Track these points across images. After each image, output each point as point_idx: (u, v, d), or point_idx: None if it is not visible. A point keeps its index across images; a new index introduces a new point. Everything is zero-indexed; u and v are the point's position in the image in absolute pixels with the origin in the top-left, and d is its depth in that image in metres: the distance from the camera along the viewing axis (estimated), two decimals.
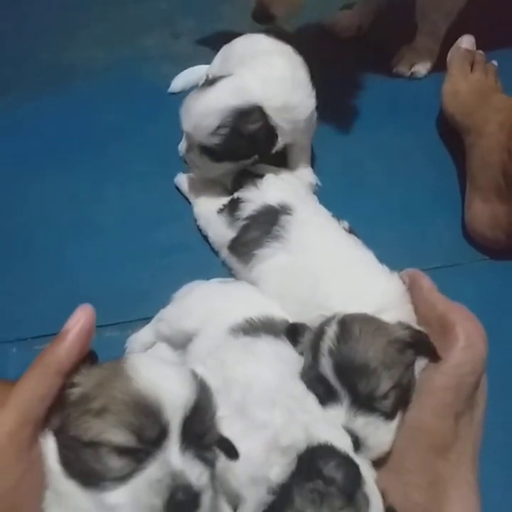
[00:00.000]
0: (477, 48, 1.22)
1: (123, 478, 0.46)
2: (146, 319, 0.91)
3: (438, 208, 1.08)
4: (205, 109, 0.93)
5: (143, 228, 1.05)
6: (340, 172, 1.13)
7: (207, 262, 1.00)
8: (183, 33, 1.37)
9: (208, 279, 0.91)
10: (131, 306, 0.95)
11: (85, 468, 0.47)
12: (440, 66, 1.24)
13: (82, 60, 1.30)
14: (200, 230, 1.04)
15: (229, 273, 0.97)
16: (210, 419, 0.51)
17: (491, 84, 1.16)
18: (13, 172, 1.12)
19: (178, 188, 1.09)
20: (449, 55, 1.22)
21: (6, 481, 0.46)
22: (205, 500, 0.47)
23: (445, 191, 1.10)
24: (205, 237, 1.03)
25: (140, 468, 0.46)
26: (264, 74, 0.96)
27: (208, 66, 1.18)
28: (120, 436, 0.46)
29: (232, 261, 0.94)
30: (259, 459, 0.59)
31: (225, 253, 0.96)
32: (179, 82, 1.24)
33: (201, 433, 0.50)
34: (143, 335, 0.89)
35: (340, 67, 1.27)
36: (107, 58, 1.31)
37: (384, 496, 0.59)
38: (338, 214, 0.94)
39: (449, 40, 1.24)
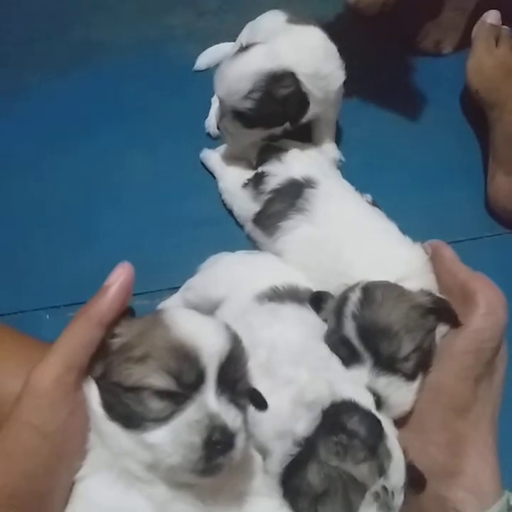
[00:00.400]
0: (503, 24, 1.21)
1: (163, 419, 0.49)
2: (174, 289, 0.95)
3: (461, 182, 1.09)
4: (238, 73, 0.94)
5: (170, 201, 1.09)
6: (363, 147, 1.14)
7: (232, 235, 1.03)
8: (207, 11, 1.37)
9: (233, 251, 0.94)
10: (160, 276, 0.99)
11: (127, 411, 0.50)
12: (465, 42, 1.23)
13: (110, 38, 1.32)
14: (225, 204, 1.07)
15: (253, 246, 0.99)
16: (243, 367, 0.54)
17: None
18: (44, 145, 1.16)
19: (203, 164, 1.12)
20: (474, 30, 1.21)
21: (55, 421, 0.49)
22: (240, 441, 0.50)
23: (468, 166, 1.11)
24: (230, 211, 1.05)
25: (179, 409, 0.50)
26: (298, 40, 0.97)
27: (233, 43, 1.19)
28: (161, 380, 0.49)
29: (257, 234, 0.97)
30: (286, 413, 0.62)
31: (249, 226, 0.99)
32: (204, 60, 1.26)
33: (235, 380, 0.53)
34: (171, 303, 0.93)
35: (364, 44, 1.27)
36: (133, 36, 1.32)
37: (405, 452, 0.62)
38: (360, 188, 0.95)
39: (475, 15, 1.23)
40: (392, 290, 0.70)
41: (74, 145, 1.16)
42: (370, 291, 0.70)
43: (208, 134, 1.15)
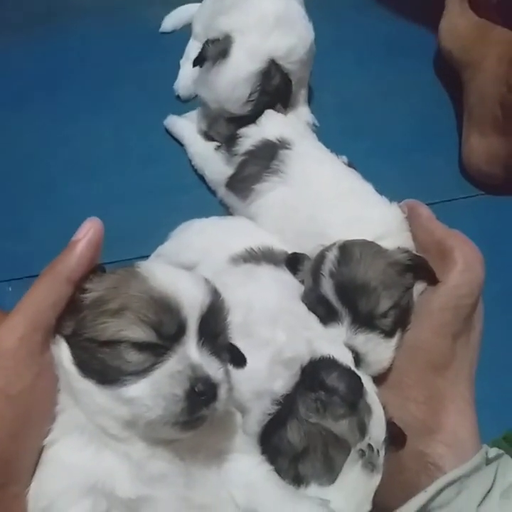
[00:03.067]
0: None
1: (142, 372, 0.47)
2: (144, 257, 0.91)
3: (435, 145, 1.08)
4: (232, 82, 0.95)
5: (137, 168, 1.05)
6: (338, 112, 1.12)
7: (204, 201, 1.00)
8: None
9: (205, 218, 0.91)
10: (129, 246, 0.94)
11: (102, 367, 0.48)
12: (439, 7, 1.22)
13: (76, 1, 1.27)
14: (196, 171, 1.03)
15: (226, 212, 0.97)
16: (223, 321, 0.52)
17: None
18: (9, 115, 1.10)
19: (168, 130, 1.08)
20: None
21: (20, 383, 0.46)
22: (222, 393, 0.48)
23: (443, 129, 1.10)
24: (202, 178, 1.02)
25: (160, 361, 0.47)
26: (261, 25, 0.96)
27: (198, 5, 1.16)
28: (140, 332, 0.47)
29: (230, 198, 0.94)
30: (263, 373, 0.60)
31: (222, 191, 0.96)
32: (170, 21, 1.22)
33: (216, 333, 0.51)
34: None
35: (338, 9, 1.24)
36: None
37: (385, 409, 0.61)
38: (336, 153, 0.93)
39: None
40: (369, 248, 0.69)
41: (35, 108, 1.10)
42: (347, 249, 0.68)
43: (178, 97, 1.12)
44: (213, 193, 1.00)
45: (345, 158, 0.91)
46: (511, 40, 1.03)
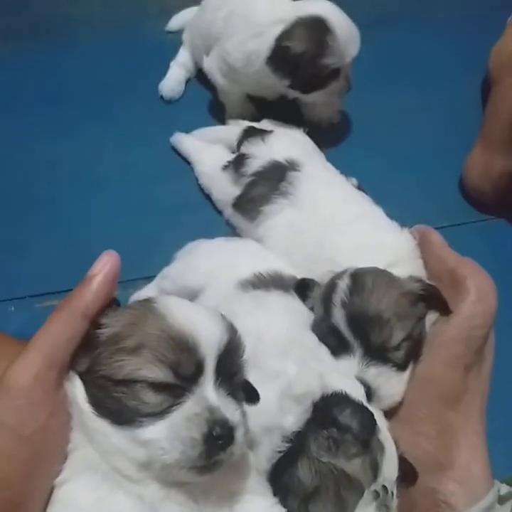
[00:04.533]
0: None
1: (160, 413, 0.46)
2: (149, 278, 0.90)
3: (448, 168, 1.06)
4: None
5: (144, 186, 1.03)
6: (347, 132, 1.11)
7: (210, 221, 0.99)
8: None
9: (211, 238, 0.89)
10: (133, 265, 0.91)
11: (118, 406, 0.46)
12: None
13: (79, 13, 1.27)
14: (202, 189, 1.02)
15: (233, 232, 0.95)
16: (240, 358, 0.51)
17: None
18: (10, 127, 1.09)
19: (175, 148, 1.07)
20: (510, 18, 1.18)
21: (34, 423, 0.45)
22: (240, 436, 0.47)
23: (454, 151, 1.08)
24: (208, 196, 1.01)
25: (177, 403, 0.46)
26: None
27: None
28: (157, 372, 0.46)
29: (237, 219, 0.93)
30: (273, 408, 0.58)
31: (229, 211, 0.95)
32: (176, 22, 1.23)
33: (233, 372, 0.50)
34: (146, 293, 0.88)
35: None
36: (106, 12, 1.27)
37: (396, 444, 0.60)
38: (344, 173, 0.92)
39: None
40: (381, 277, 0.68)
41: (37, 122, 1.09)
42: (359, 278, 0.67)
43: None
44: (220, 212, 0.99)
45: (354, 181, 0.90)
46: None
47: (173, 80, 1.15)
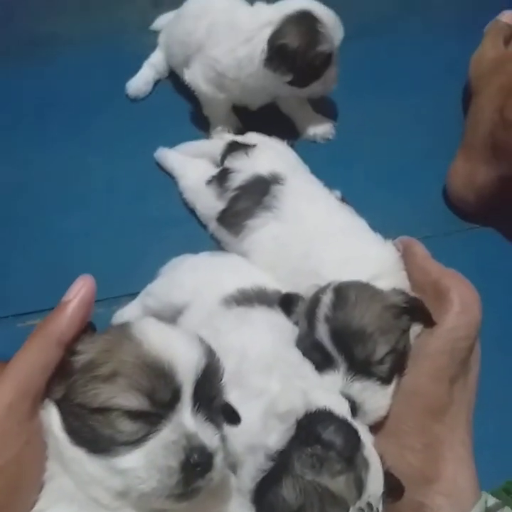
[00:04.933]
0: None
1: (136, 441, 0.45)
2: (132, 295, 0.89)
3: (430, 177, 1.07)
4: None
5: (127, 202, 1.03)
6: (330, 142, 1.12)
7: (194, 235, 0.99)
8: (164, 2, 1.32)
9: (196, 253, 0.89)
10: (117, 282, 0.92)
11: (94, 435, 0.46)
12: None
13: (61, 29, 1.27)
14: (186, 204, 1.02)
15: (218, 246, 0.95)
16: (219, 382, 0.51)
17: None
18: None
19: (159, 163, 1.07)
20: (487, 26, 1.20)
21: (8, 453, 0.45)
22: (218, 461, 0.47)
23: (438, 161, 1.08)
24: (193, 211, 1.01)
25: (153, 431, 0.46)
26: None
27: None
28: (132, 400, 0.45)
29: (222, 233, 0.93)
30: (257, 426, 0.58)
31: (213, 225, 0.95)
32: (161, 22, 1.25)
33: (211, 396, 0.49)
34: (129, 310, 0.87)
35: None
36: (88, 27, 1.27)
37: (382, 459, 0.59)
38: (326, 184, 0.92)
39: None
40: (364, 291, 0.68)
41: (23, 143, 1.09)
42: (342, 292, 0.67)
43: (167, 131, 1.11)
44: (204, 226, 0.98)
45: (338, 193, 0.90)
46: None
47: (142, 79, 1.17)
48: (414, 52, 1.26)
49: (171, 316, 0.80)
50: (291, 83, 1.02)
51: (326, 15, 1.01)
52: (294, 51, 0.98)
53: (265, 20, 0.99)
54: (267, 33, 0.99)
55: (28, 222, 1.00)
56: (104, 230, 0.99)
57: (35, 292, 0.90)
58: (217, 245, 0.95)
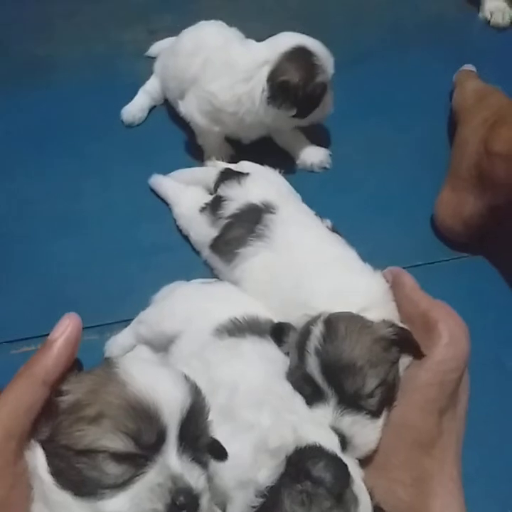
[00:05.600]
0: None
1: (121, 484, 0.45)
2: (126, 321, 0.89)
3: (420, 205, 1.09)
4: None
5: (121, 228, 1.04)
6: (321, 171, 1.14)
7: (188, 262, 0.99)
8: (159, 29, 1.35)
9: (189, 279, 0.90)
10: (110, 308, 0.93)
11: (79, 477, 0.45)
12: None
13: (58, 54, 1.28)
14: (180, 230, 1.03)
15: (211, 273, 0.96)
16: (204, 421, 0.50)
17: (497, 88, 1.17)
18: None
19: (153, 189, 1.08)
20: (454, 76, 1.24)
21: None
22: (204, 502, 0.47)
23: (426, 189, 1.10)
24: (186, 237, 1.02)
25: (139, 473, 0.45)
26: None
27: None
28: (118, 442, 0.45)
29: (215, 260, 0.93)
30: (247, 461, 0.58)
31: (206, 253, 0.95)
32: (156, 48, 1.27)
33: (197, 436, 0.49)
34: (122, 338, 0.87)
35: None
36: (84, 53, 1.29)
37: (371, 494, 0.60)
38: (319, 212, 0.94)
39: None
40: (354, 323, 0.68)
41: (18, 168, 1.09)
42: (332, 324, 0.67)
43: (161, 156, 1.13)
44: (198, 252, 0.99)
45: (329, 222, 0.91)
46: (501, 106, 1.06)
47: (137, 106, 1.19)
48: (402, 82, 1.29)
49: (163, 344, 0.80)
50: (294, 115, 1.06)
51: (318, 47, 1.04)
52: (295, 86, 1.01)
53: (261, 59, 1.03)
54: (265, 71, 1.02)
55: (22, 248, 1.00)
56: (98, 256, 1.00)
57: (28, 318, 0.90)
58: (210, 272, 0.96)
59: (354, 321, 0.69)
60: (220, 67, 1.04)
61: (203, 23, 1.15)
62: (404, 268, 0.78)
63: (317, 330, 0.67)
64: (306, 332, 0.69)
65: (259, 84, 1.02)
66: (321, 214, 0.93)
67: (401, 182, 1.12)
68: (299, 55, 1.02)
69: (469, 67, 1.26)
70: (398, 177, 1.13)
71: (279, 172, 1.01)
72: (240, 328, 0.74)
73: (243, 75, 1.03)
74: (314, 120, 1.11)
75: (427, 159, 1.15)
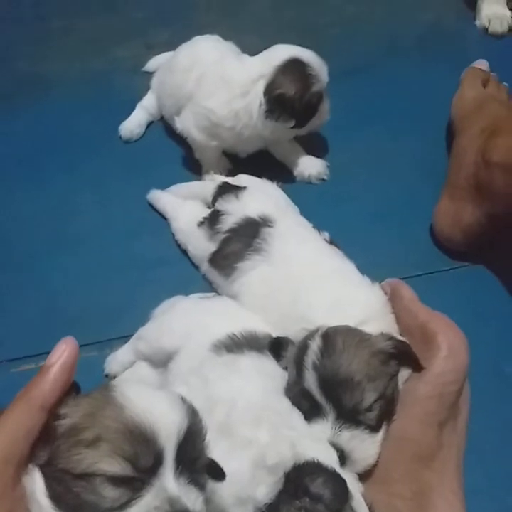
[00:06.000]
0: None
1: (119, 508, 0.45)
2: (125, 337, 0.89)
3: (419, 215, 1.08)
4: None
5: (120, 244, 1.04)
6: (318, 183, 1.14)
7: (187, 276, 0.99)
8: (156, 44, 1.36)
9: (188, 293, 0.90)
10: (109, 324, 0.93)
11: (77, 501, 0.46)
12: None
13: (56, 71, 1.29)
14: (178, 245, 1.03)
15: (209, 287, 0.96)
16: (201, 442, 0.51)
17: (496, 96, 1.17)
18: None
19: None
20: (463, 73, 1.24)
21: None
22: None
23: (425, 199, 1.10)
24: (185, 252, 1.02)
25: (136, 496, 0.46)
26: None
27: None
28: (115, 466, 0.45)
29: (213, 274, 0.94)
30: (246, 478, 0.58)
31: (205, 267, 0.96)
32: (154, 63, 1.28)
33: (194, 457, 0.49)
34: (122, 354, 0.88)
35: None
36: (81, 69, 1.30)
37: (371, 509, 0.59)
38: (316, 224, 0.94)
39: None
40: (352, 336, 0.68)
41: (16, 184, 1.10)
42: (330, 338, 0.67)
43: (155, 169, 1.14)
44: (197, 266, 0.99)
45: (327, 235, 0.91)
46: (499, 116, 1.06)
47: (134, 121, 1.20)
48: (400, 92, 1.29)
49: (162, 360, 0.80)
50: (292, 127, 1.07)
51: (311, 57, 1.06)
52: (291, 98, 1.03)
53: (256, 74, 1.04)
54: (261, 85, 1.04)
55: (21, 265, 1.00)
56: (97, 271, 1.00)
57: (28, 336, 0.90)
58: (209, 286, 0.96)
59: (352, 334, 0.69)
60: (215, 82, 1.05)
61: (198, 38, 1.16)
62: (404, 279, 0.79)
63: (314, 344, 0.67)
64: (303, 347, 0.69)
65: (256, 99, 1.03)
66: (319, 225, 0.93)
67: (399, 192, 1.12)
68: (293, 67, 1.04)
69: (481, 63, 1.24)
70: (396, 187, 1.13)
71: (277, 184, 1.02)
72: (238, 344, 0.74)
73: (240, 90, 1.04)
74: (312, 128, 1.12)
75: (425, 169, 1.15)
